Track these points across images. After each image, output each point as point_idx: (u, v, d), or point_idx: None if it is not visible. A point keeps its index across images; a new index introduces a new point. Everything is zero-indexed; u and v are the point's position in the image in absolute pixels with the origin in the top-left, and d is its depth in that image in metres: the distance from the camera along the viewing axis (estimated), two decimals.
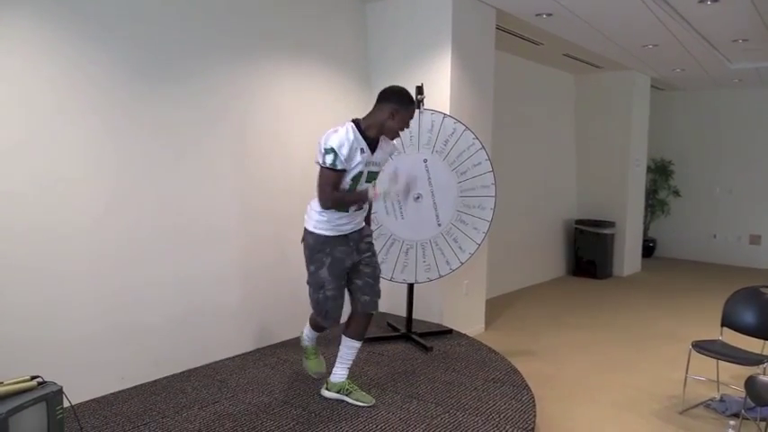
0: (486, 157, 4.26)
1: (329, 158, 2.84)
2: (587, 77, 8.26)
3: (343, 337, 3.23)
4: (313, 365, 3.43)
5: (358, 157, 2.90)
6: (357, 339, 3.22)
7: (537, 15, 5.12)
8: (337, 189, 2.92)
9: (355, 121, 2.97)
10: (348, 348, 3.23)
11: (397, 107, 2.95)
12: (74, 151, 3.14)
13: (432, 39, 4.72)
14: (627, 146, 8.16)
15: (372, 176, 3.05)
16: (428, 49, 4.75)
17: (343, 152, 2.83)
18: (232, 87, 3.92)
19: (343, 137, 2.85)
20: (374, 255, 3.23)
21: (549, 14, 5.07)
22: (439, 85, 4.67)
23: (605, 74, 8.06)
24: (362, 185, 3.01)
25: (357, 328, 3.20)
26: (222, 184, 3.89)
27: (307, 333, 3.41)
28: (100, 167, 3.26)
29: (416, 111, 4.04)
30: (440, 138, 4.20)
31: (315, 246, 3.03)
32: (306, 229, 3.07)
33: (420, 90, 4.21)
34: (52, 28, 3.02)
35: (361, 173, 2.95)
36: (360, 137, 2.91)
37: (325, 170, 2.88)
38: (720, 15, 5.05)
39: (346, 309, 3.19)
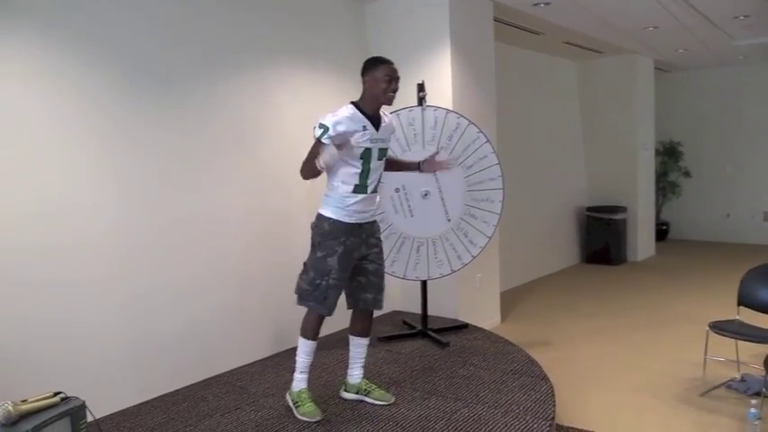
0: (492, 150, 4.25)
1: (318, 132, 2.90)
2: (590, 63, 8.22)
3: (351, 336, 3.25)
4: (311, 409, 3.05)
5: (361, 134, 2.95)
6: (364, 336, 3.24)
7: (534, 5, 5.11)
8: None
9: (354, 103, 3.04)
10: (358, 347, 3.25)
11: (365, 71, 3.07)
12: (80, 164, 3.17)
13: (431, 36, 4.73)
14: (634, 130, 8.12)
15: (383, 153, 3.11)
16: (428, 46, 4.75)
17: (339, 129, 2.89)
18: (236, 99, 3.95)
19: (341, 115, 2.93)
20: (381, 252, 3.22)
21: (547, 3, 5.06)
22: (440, 81, 4.68)
23: (607, 59, 8.02)
24: (374, 163, 3.04)
25: (363, 325, 3.22)
26: (232, 190, 3.92)
27: (300, 363, 3.08)
28: (110, 180, 3.29)
29: (420, 101, 4.13)
30: (444, 133, 4.21)
31: (330, 231, 3.01)
32: (321, 215, 3.05)
33: (421, 87, 4.22)
34: (51, 48, 3.05)
35: (369, 150, 2.99)
36: (361, 115, 2.99)
37: (314, 144, 2.94)
38: None
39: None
